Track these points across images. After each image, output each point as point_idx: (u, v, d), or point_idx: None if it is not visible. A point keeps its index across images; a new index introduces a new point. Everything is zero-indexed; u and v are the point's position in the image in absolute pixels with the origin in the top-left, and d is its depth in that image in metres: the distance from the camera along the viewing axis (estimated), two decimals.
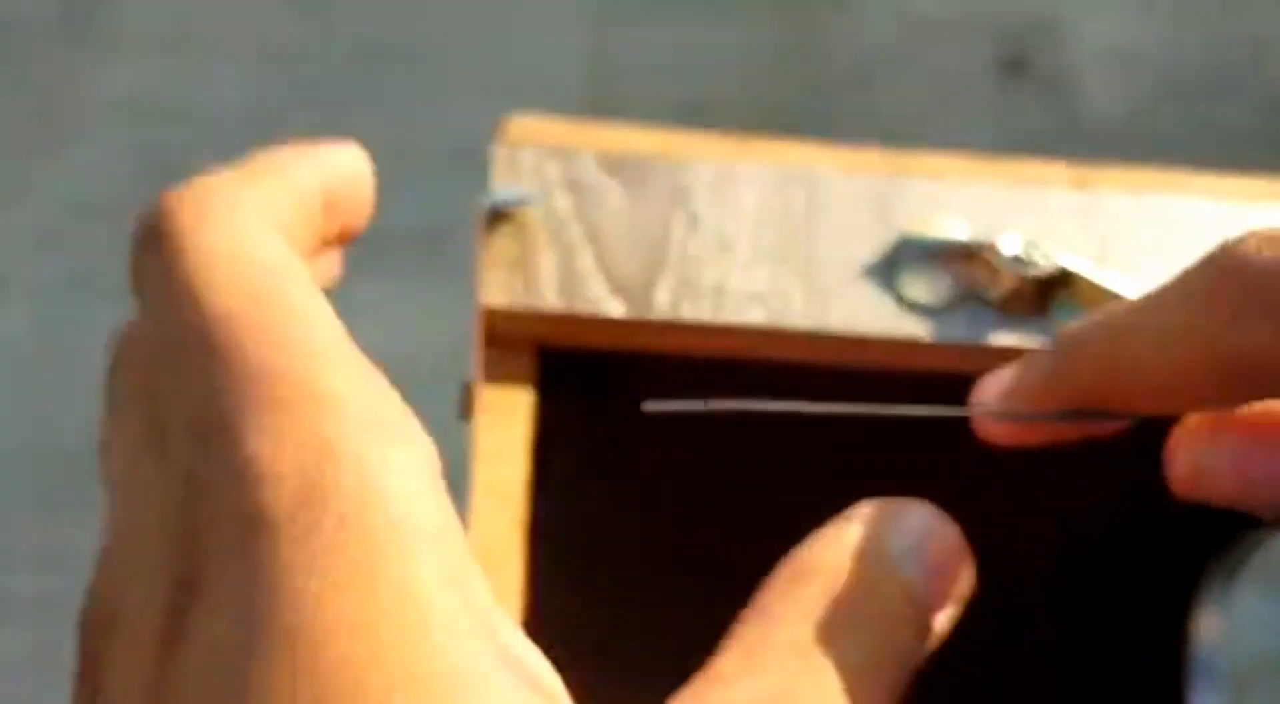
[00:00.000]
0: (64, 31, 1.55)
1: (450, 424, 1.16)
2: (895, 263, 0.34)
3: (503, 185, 0.34)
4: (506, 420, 0.31)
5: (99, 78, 1.50)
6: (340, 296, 1.10)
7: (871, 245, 0.34)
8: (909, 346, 0.33)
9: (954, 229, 0.35)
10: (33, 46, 1.54)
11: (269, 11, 1.57)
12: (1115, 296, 0.33)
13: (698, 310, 0.32)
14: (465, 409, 0.33)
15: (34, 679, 1.09)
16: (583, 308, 0.32)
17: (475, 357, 0.33)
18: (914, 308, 0.33)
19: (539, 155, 0.34)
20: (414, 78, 1.51)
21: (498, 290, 0.32)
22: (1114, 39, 1.58)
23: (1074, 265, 0.34)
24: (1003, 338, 0.33)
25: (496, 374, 0.32)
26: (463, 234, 1.51)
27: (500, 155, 0.35)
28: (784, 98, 1.50)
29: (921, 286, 0.33)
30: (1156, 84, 1.54)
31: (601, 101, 1.53)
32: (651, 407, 0.27)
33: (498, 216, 0.33)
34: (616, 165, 0.34)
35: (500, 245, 0.33)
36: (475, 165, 1.45)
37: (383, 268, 1.34)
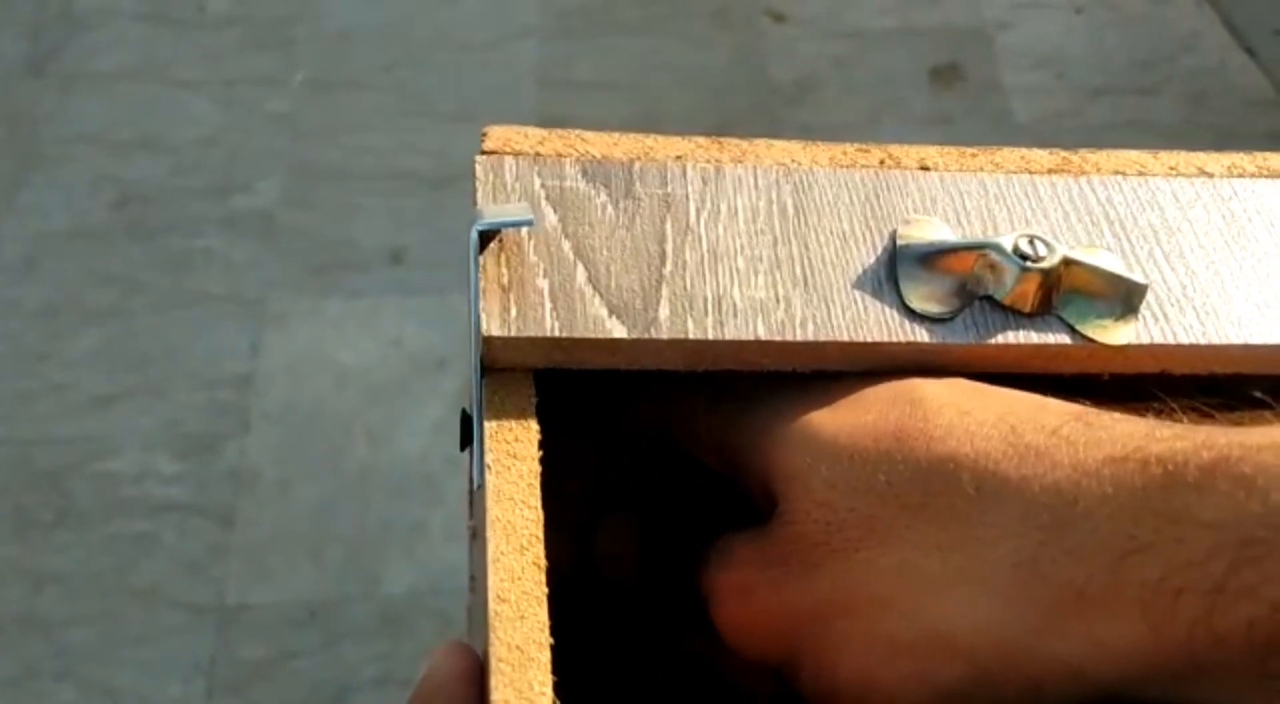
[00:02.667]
0: (32, 66, 1.58)
1: (421, 431, 1.22)
2: (895, 269, 0.32)
3: (493, 207, 0.32)
4: (512, 456, 0.29)
5: (68, 110, 1.54)
6: (309, 313, 1.18)
7: (867, 244, 0.33)
8: (917, 351, 0.31)
9: (947, 228, 0.33)
10: (2, 81, 1.57)
11: (231, 44, 1.60)
12: (1120, 282, 0.32)
13: (701, 327, 0.30)
14: (466, 439, 0.31)
15: (16, 699, 1.12)
16: (583, 331, 0.30)
17: (473, 386, 0.31)
18: (920, 318, 0.31)
19: (521, 164, 0.33)
20: (372, 104, 1.55)
21: (494, 318, 0.30)
22: (1043, 43, 1.62)
23: (1077, 255, 0.32)
24: (1011, 336, 0.31)
25: (497, 402, 0.30)
26: (423, 252, 1.56)
27: (482, 165, 0.33)
28: (729, 109, 1.54)
29: (925, 295, 0.32)
30: (1085, 84, 1.58)
31: (554, 120, 1.59)
32: None
33: (485, 238, 0.31)
34: (600, 172, 0.33)
35: (491, 269, 0.31)
36: (433, 185, 1.52)
37: (348, 286, 1.38)
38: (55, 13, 1.63)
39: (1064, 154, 0.36)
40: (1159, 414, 0.30)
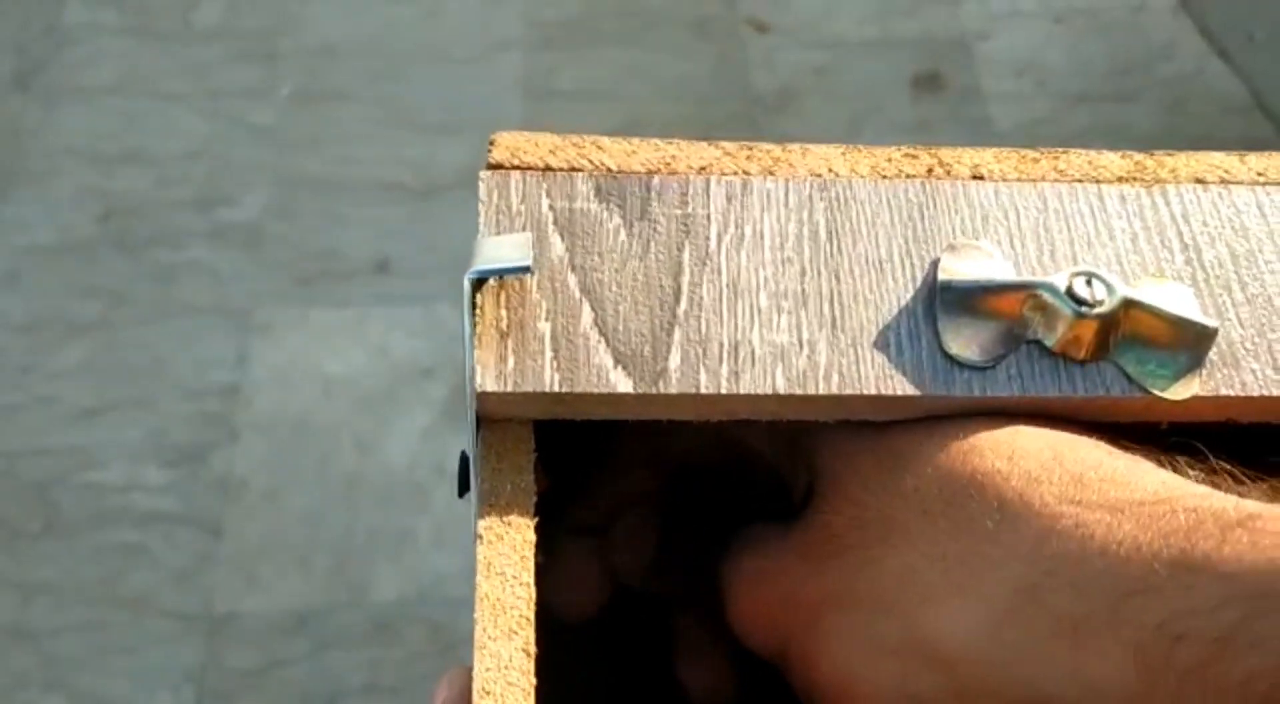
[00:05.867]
0: (18, 80, 1.58)
1: (408, 440, 1.22)
2: (933, 308, 0.29)
3: (490, 244, 0.29)
4: (506, 524, 0.27)
5: (53, 123, 1.54)
6: (296, 323, 1.19)
7: (905, 274, 0.30)
8: (952, 404, 0.28)
9: (998, 253, 0.30)
10: None
11: (216, 57, 1.60)
12: (1187, 327, 0.28)
13: (713, 379, 0.28)
14: (464, 486, 0.30)
15: None
16: (585, 385, 0.28)
17: (469, 436, 0.29)
18: (959, 366, 0.28)
19: (528, 182, 0.30)
20: (357, 115, 1.56)
21: (489, 371, 0.28)
22: (1023, 51, 1.64)
23: (1140, 295, 0.28)
24: (1060, 389, 0.28)
25: (493, 460, 0.28)
26: (409, 262, 1.56)
27: (486, 183, 0.30)
28: (712, 118, 1.55)
29: (966, 339, 0.29)
30: (1065, 92, 1.60)
31: (540, 130, 1.54)
32: None
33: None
34: (614, 190, 0.30)
35: (489, 311, 0.28)
36: (419, 195, 1.52)
37: (334, 296, 1.39)
38: (41, 27, 1.63)
39: (1137, 157, 0.32)
40: (1205, 470, 0.28)
